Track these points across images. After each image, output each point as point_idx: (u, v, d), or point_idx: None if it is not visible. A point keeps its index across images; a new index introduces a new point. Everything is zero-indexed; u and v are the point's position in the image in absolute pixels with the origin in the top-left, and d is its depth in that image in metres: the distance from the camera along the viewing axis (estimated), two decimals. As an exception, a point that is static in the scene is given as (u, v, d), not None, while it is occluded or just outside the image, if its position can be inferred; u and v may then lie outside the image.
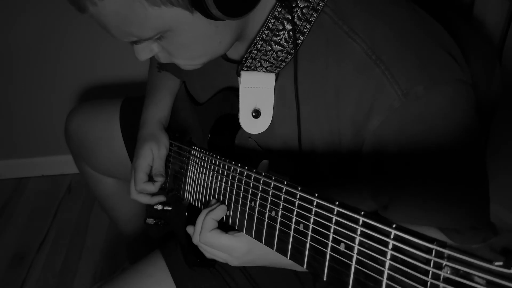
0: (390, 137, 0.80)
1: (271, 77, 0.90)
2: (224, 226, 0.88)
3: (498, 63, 1.07)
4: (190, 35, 0.81)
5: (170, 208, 1.22)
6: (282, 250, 0.71)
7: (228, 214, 0.87)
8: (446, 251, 0.43)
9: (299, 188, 0.67)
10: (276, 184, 0.72)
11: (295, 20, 0.83)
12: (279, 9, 0.83)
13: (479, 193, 0.88)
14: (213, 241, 0.87)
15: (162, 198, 1.21)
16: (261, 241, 0.77)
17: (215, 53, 0.87)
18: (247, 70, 0.90)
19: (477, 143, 0.86)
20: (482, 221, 0.90)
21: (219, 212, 0.87)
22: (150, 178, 1.21)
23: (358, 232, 0.54)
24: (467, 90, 0.81)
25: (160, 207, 1.23)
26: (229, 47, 0.87)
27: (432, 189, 0.83)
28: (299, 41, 0.85)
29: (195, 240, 0.91)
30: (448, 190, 0.84)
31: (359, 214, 0.54)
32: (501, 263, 0.37)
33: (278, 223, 0.71)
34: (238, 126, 0.95)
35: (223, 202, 0.89)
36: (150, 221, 1.29)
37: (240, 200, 0.83)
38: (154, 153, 1.19)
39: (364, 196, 0.91)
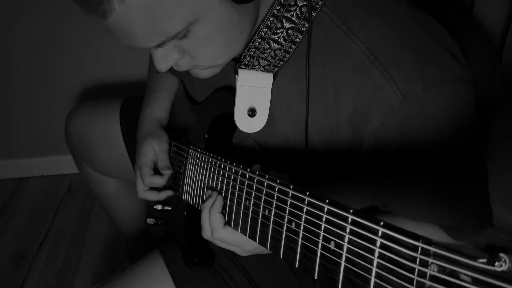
0: (390, 137, 0.80)
1: (269, 76, 0.90)
2: None
3: (498, 63, 1.07)
4: (216, 25, 0.78)
5: (170, 208, 1.22)
6: (275, 249, 0.71)
7: (224, 213, 0.87)
8: (432, 249, 0.43)
9: (291, 187, 0.67)
10: (270, 183, 0.72)
11: (294, 18, 0.83)
12: (277, 7, 0.82)
13: (479, 191, 0.88)
14: (228, 237, 0.87)
15: (170, 192, 1.20)
16: (255, 240, 0.77)
17: (235, 48, 0.85)
18: (245, 68, 0.90)
19: (477, 142, 0.86)
20: (483, 219, 0.90)
21: (219, 203, 0.88)
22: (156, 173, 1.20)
23: (347, 230, 0.54)
24: (468, 88, 0.81)
25: (160, 207, 1.23)
26: (245, 42, 0.86)
27: (433, 187, 0.83)
28: (298, 39, 0.85)
29: (207, 237, 0.91)
30: (449, 189, 0.84)
31: (348, 212, 0.54)
32: (485, 260, 0.37)
33: (271, 222, 0.71)
34: (236, 125, 0.95)
35: (219, 194, 0.90)
36: (151, 221, 1.29)
37: (236, 199, 0.83)
38: (155, 148, 1.18)
39: (364, 195, 0.91)
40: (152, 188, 1.21)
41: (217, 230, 0.87)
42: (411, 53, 0.79)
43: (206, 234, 0.90)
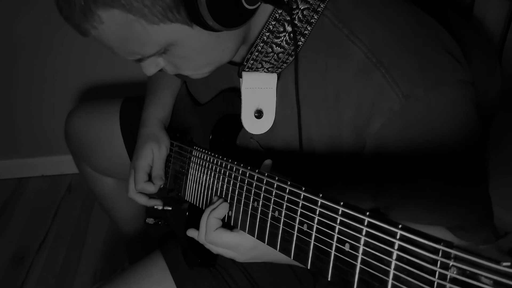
0: (391, 139, 0.80)
1: (273, 77, 0.90)
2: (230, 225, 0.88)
3: (498, 63, 1.07)
4: (193, 48, 0.81)
5: (170, 208, 1.22)
6: (285, 250, 0.71)
7: (230, 214, 0.87)
8: (453, 252, 0.43)
9: (303, 189, 0.67)
10: (280, 184, 0.72)
11: (296, 22, 0.83)
12: (279, 11, 0.82)
13: (481, 190, 0.89)
14: (218, 240, 0.87)
15: (159, 203, 1.21)
16: (264, 241, 0.77)
17: (220, 61, 0.87)
18: (248, 71, 0.90)
19: (479, 142, 0.86)
20: (486, 217, 0.91)
21: (221, 210, 0.87)
22: (150, 178, 1.21)
23: (363, 233, 0.54)
24: (469, 89, 0.81)
25: (160, 207, 1.22)
26: (235, 53, 0.87)
27: (435, 189, 0.83)
28: (300, 43, 0.85)
29: (201, 240, 0.91)
30: (451, 190, 0.84)
31: (364, 214, 0.54)
32: (508, 264, 0.37)
33: (282, 223, 0.71)
34: (240, 127, 0.95)
35: (225, 201, 0.89)
36: (150, 221, 1.29)
37: (243, 200, 0.83)
38: (154, 154, 1.18)
39: (365, 197, 0.91)
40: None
41: (208, 233, 0.88)
42: (412, 55, 0.79)
43: (200, 237, 0.91)
